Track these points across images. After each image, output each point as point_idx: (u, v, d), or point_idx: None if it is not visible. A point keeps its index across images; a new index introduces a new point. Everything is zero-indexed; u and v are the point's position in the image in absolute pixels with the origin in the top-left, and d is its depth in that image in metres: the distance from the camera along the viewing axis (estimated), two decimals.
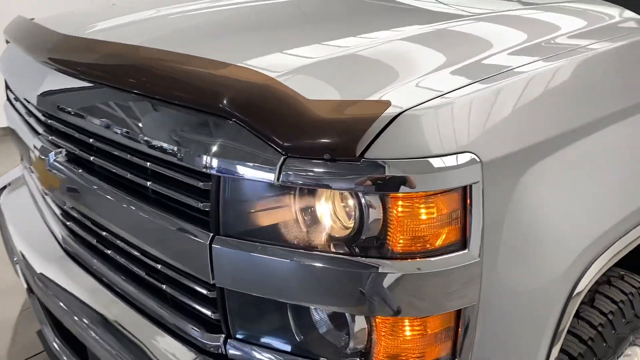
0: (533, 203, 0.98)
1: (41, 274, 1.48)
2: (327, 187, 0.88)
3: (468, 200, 0.90)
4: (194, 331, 1.10)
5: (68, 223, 1.45)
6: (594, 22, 1.36)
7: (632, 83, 1.22)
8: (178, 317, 1.15)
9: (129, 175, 1.14)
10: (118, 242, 1.26)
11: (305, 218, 0.93)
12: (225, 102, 0.94)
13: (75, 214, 1.40)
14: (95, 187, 1.22)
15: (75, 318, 1.33)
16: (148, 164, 1.08)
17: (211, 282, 1.01)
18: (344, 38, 1.23)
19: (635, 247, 1.20)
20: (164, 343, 1.16)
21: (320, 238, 0.93)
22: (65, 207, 1.43)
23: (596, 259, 1.07)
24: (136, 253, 1.21)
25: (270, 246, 0.94)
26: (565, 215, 1.03)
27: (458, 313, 0.95)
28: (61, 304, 1.39)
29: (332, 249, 0.92)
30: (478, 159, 0.90)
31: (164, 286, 1.17)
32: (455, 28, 1.28)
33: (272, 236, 0.95)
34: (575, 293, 1.04)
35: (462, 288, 0.92)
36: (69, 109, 1.25)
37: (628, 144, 1.17)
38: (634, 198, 1.16)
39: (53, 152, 1.36)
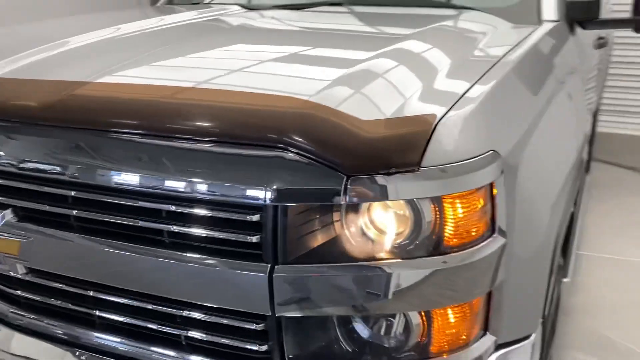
0: (528, 179, 1.15)
1: None
2: (393, 198, 0.95)
3: (495, 192, 1.04)
4: None
5: (18, 292, 1.26)
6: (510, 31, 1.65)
7: (555, 66, 1.52)
8: None
9: (140, 224, 1.05)
10: (113, 298, 1.15)
11: (366, 231, 0.99)
12: (280, 132, 0.94)
13: (34, 280, 1.22)
14: (87, 243, 1.10)
15: None
16: (172, 207, 1.02)
17: (270, 314, 1.00)
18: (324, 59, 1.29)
19: None
20: None
21: (383, 247, 0.99)
22: (14, 274, 1.24)
23: (571, 190, 1.32)
24: (146, 305, 1.12)
25: (341, 265, 0.97)
26: (545, 176, 1.24)
27: (490, 291, 1.09)
28: None
29: (395, 256, 0.99)
30: (499, 154, 1.04)
31: (187, 333, 1.11)
32: (409, 45, 1.41)
33: (335, 255, 0.99)
34: (559, 236, 1.26)
35: (497, 267, 1.06)
36: (50, 162, 1.10)
37: (565, 111, 1.45)
38: (578, 143, 1.45)
39: (2, 214, 1.18)
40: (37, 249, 1.16)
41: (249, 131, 0.98)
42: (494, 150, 1.04)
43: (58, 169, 1.11)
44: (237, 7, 2.22)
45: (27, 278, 1.23)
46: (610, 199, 4.51)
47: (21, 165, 1.15)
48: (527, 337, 1.21)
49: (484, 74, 1.23)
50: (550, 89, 1.50)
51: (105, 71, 1.24)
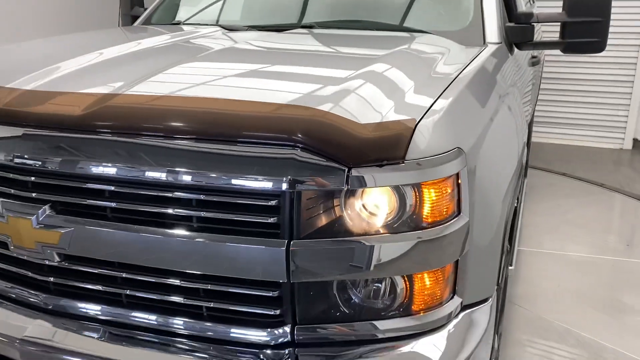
0: (484, 168, 1.44)
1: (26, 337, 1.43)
2: (384, 185, 1.21)
3: (460, 181, 1.32)
4: (258, 333, 1.29)
5: (51, 279, 1.44)
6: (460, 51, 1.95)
7: (499, 80, 1.85)
8: (230, 328, 1.32)
9: (172, 211, 1.26)
10: (144, 277, 1.35)
11: (362, 212, 1.24)
12: (295, 134, 1.19)
13: (69, 265, 1.40)
14: (128, 231, 1.30)
15: None
16: (202, 196, 1.24)
17: (285, 281, 1.23)
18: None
19: None
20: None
21: (375, 224, 1.24)
22: (50, 262, 1.41)
23: (515, 185, 1.62)
24: (174, 282, 1.32)
25: (341, 239, 1.22)
26: (496, 173, 1.54)
27: (457, 260, 1.36)
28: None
29: (385, 231, 1.25)
30: (463, 151, 1.32)
31: (211, 304, 1.32)
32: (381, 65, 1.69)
33: (337, 231, 1.23)
34: (508, 219, 1.56)
35: (463, 240, 1.34)
36: (96, 165, 1.29)
37: (508, 119, 1.77)
38: (518, 148, 1.78)
39: (43, 209, 1.36)
40: (76, 238, 1.35)
41: (272, 134, 1.22)
42: (458, 148, 1.32)
43: (97, 168, 1.31)
44: (217, 28, 2.46)
45: (61, 265, 1.41)
46: (545, 201, 4.96)
47: (60, 166, 1.34)
48: (486, 300, 1.49)
49: (446, 87, 1.51)
50: (496, 99, 1.81)
51: (131, 85, 1.44)
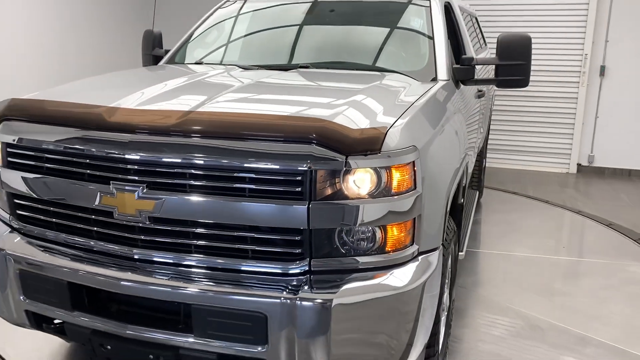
0: (431, 162, 2.19)
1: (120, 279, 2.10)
2: (367, 167, 1.95)
3: (415, 167, 2.06)
4: (286, 265, 2.01)
5: (142, 237, 2.13)
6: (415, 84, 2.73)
7: (446, 107, 2.62)
8: (269, 263, 2.03)
9: (234, 185, 1.98)
10: (209, 231, 2.05)
11: (353, 185, 1.97)
12: (312, 135, 1.92)
13: (156, 226, 2.09)
14: (202, 199, 2.00)
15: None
16: (253, 175, 1.96)
17: (307, 228, 1.95)
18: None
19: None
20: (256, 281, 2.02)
21: (361, 193, 1.98)
22: (143, 225, 2.10)
23: (455, 179, 2.38)
24: (232, 233, 2.03)
25: (341, 201, 1.95)
26: (440, 167, 2.30)
27: (414, 218, 2.10)
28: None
29: (368, 196, 1.98)
30: (417, 148, 2.08)
31: (255, 247, 2.03)
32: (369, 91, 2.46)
33: (339, 196, 1.96)
34: (450, 196, 2.32)
35: (418, 204, 2.08)
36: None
37: (452, 135, 2.54)
38: (462, 149, 2.55)
39: (142, 186, 2.06)
40: (165, 205, 2.05)
41: (298, 135, 1.95)
42: (414, 146, 2.07)
43: (180, 159, 2.02)
44: (234, 67, 3.20)
45: (150, 226, 2.10)
46: (499, 214, 5.77)
47: (155, 158, 2.04)
48: (435, 250, 2.23)
49: (406, 109, 2.28)
50: (442, 119, 2.59)
51: (200, 105, 2.17)
